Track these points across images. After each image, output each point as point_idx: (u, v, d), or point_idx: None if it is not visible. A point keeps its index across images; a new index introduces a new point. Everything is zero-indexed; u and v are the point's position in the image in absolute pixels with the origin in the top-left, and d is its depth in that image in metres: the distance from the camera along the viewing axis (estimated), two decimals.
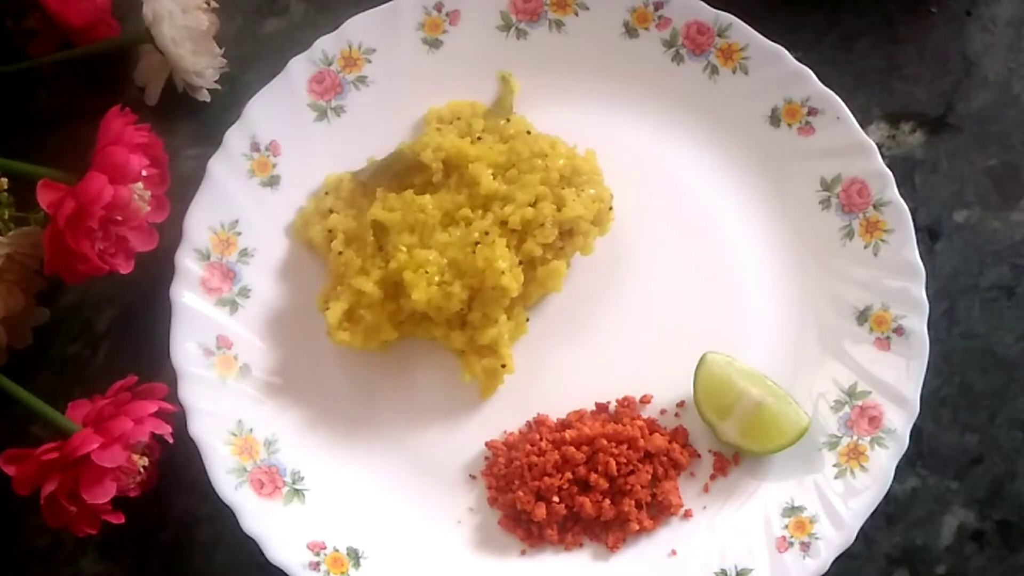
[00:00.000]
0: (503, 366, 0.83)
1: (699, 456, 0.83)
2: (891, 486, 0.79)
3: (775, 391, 0.81)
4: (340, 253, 0.85)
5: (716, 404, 0.81)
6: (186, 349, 0.81)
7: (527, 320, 0.86)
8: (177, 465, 0.81)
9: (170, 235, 0.84)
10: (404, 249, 0.83)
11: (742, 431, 0.80)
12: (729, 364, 0.82)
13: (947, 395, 0.86)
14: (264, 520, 0.78)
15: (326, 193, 0.88)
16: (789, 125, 0.89)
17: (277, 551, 0.77)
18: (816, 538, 0.78)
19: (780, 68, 0.89)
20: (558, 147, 0.85)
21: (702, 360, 0.82)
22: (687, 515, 0.81)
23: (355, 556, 0.79)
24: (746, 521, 0.80)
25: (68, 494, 0.73)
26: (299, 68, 0.89)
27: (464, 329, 0.83)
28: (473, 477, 0.83)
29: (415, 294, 0.81)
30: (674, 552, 0.80)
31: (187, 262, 0.83)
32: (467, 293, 0.82)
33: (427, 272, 0.81)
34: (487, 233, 0.82)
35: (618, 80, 0.90)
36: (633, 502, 0.80)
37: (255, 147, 0.87)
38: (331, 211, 0.87)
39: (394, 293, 0.83)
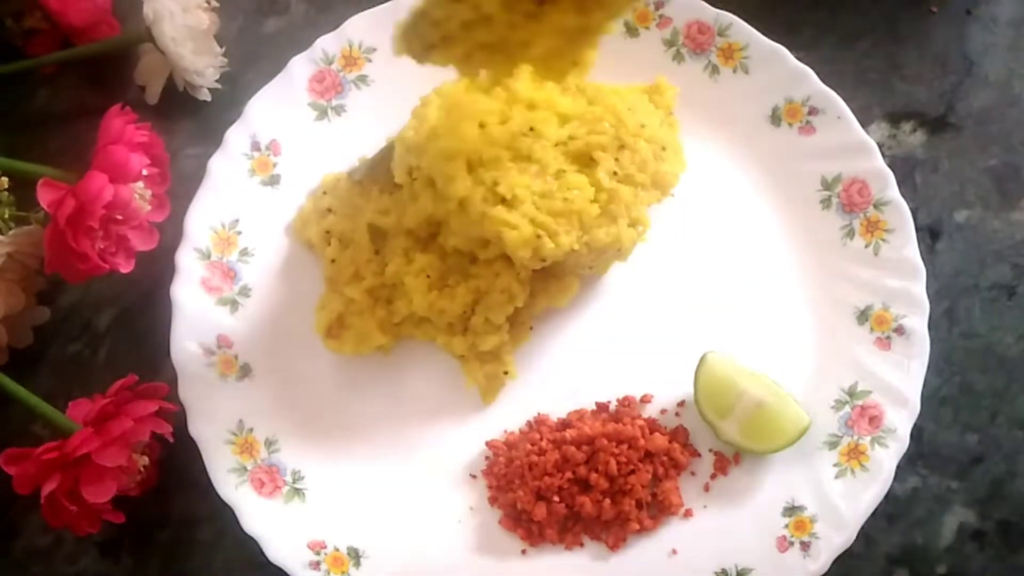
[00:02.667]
0: (505, 372, 0.83)
1: (699, 455, 0.83)
2: (891, 486, 0.79)
3: (775, 391, 0.81)
4: (333, 261, 0.85)
5: (717, 404, 0.81)
6: (186, 348, 0.81)
7: (531, 328, 0.86)
8: (177, 464, 0.81)
9: (170, 234, 0.84)
10: (402, 253, 0.83)
11: (743, 430, 0.80)
12: (729, 363, 0.82)
13: (948, 395, 0.86)
14: (264, 519, 0.78)
15: (324, 193, 0.88)
16: (790, 124, 0.89)
17: (277, 550, 0.77)
18: (816, 538, 0.78)
19: (781, 67, 0.89)
20: None
21: (703, 360, 0.82)
22: (687, 515, 0.81)
23: (355, 555, 0.79)
24: (746, 521, 0.80)
25: (68, 493, 0.73)
26: (300, 67, 0.89)
27: (465, 335, 0.83)
28: (474, 476, 0.83)
29: (416, 299, 0.81)
30: (675, 552, 0.80)
31: (187, 261, 0.83)
32: (471, 296, 0.82)
33: (428, 276, 0.81)
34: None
35: (619, 79, 0.90)
36: (633, 501, 0.80)
37: (255, 146, 0.87)
38: (329, 210, 0.87)
39: (388, 297, 0.83)
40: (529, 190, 0.78)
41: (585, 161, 0.80)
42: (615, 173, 0.80)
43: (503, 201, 0.77)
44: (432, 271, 0.82)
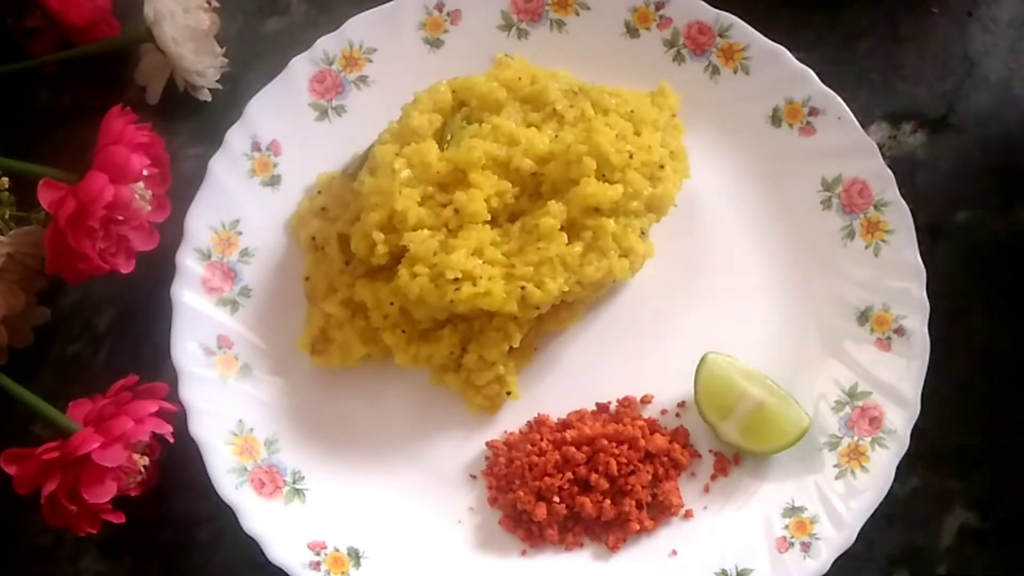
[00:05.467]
0: (508, 393, 0.83)
1: (700, 456, 0.83)
2: (892, 486, 0.79)
3: (776, 391, 0.81)
4: (307, 279, 0.85)
5: (717, 404, 0.81)
6: (187, 349, 0.81)
7: (535, 350, 0.85)
8: (178, 465, 0.81)
9: (171, 234, 0.84)
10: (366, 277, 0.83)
11: (743, 431, 0.80)
12: (730, 364, 0.82)
13: (948, 395, 0.86)
14: (264, 520, 0.78)
15: (319, 192, 0.88)
16: (790, 125, 0.89)
17: (277, 551, 0.77)
18: (817, 538, 0.78)
19: (781, 68, 0.89)
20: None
21: (703, 360, 0.82)
22: (688, 515, 0.81)
23: (355, 556, 0.79)
24: (747, 521, 0.80)
25: (69, 493, 0.73)
26: (300, 67, 0.89)
27: (459, 371, 0.83)
28: (474, 477, 0.83)
29: (397, 356, 0.82)
30: (675, 552, 0.80)
31: (188, 262, 0.83)
32: (458, 337, 0.82)
33: (404, 331, 0.81)
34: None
35: (619, 80, 0.90)
36: (634, 502, 0.80)
37: (256, 147, 0.87)
38: (323, 209, 0.87)
39: (364, 309, 0.83)
40: (495, 251, 0.79)
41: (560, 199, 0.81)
42: (596, 209, 0.80)
43: (457, 280, 0.78)
44: (407, 325, 0.82)
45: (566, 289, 0.80)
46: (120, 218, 0.78)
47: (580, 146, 0.80)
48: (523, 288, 0.78)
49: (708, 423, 0.82)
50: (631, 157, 0.81)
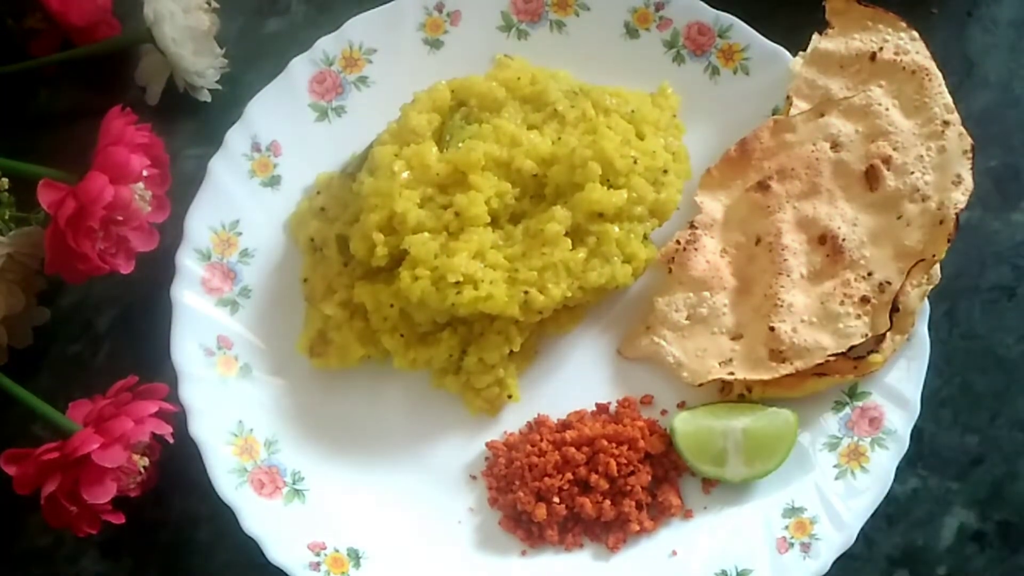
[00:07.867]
0: (509, 396, 0.83)
1: None
2: (892, 487, 0.79)
3: (749, 408, 0.81)
4: (305, 281, 0.85)
5: (709, 456, 0.80)
6: (187, 349, 0.81)
7: (536, 352, 0.86)
8: (177, 465, 0.81)
9: (171, 235, 0.84)
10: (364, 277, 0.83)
11: (747, 462, 0.79)
12: (693, 416, 0.81)
13: (948, 396, 0.86)
14: (264, 520, 0.78)
15: (318, 192, 0.88)
16: None
17: (277, 551, 0.77)
18: (817, 539, 0.78)
19: (781, 68, 0.89)
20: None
21: (672, 431, 0.81)
22: (687, 516, 0.81)
23: (355, 556, 0.79)
24: (746, 522, 0.80)
25: (69, 494, 0.73)
26: (300, 68, 0.89)
27: (458, 374, 0.83)
28: (474, 477, 0.83)
29: (396, 360, 0.82)
30: (675, 553, 0.80)
31: (188, 262, 0.83)
32: (457, 339, 0.82)
33: (402, 335, 0.81)
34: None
35: (619, 81, 0.90)
36: (633, 503, 0.80)
37: (256, 147, 0.87)
38: (322, 209, 0.87)
39: (363, 309, 0.83)
40: (496, 254, 0.80)
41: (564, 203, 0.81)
42: (600, 215, 0.80)
43: (459, 283, 0.78)
44: (407, 328, 0.82)
45: (569, 295, 0.80)
46: (120, 218, 0.78)
47: (585, 150, 0.81)
48: (526, 293, 0.78)
49: (714, 478, 0.81)
50: (635, 162, 0.81)
